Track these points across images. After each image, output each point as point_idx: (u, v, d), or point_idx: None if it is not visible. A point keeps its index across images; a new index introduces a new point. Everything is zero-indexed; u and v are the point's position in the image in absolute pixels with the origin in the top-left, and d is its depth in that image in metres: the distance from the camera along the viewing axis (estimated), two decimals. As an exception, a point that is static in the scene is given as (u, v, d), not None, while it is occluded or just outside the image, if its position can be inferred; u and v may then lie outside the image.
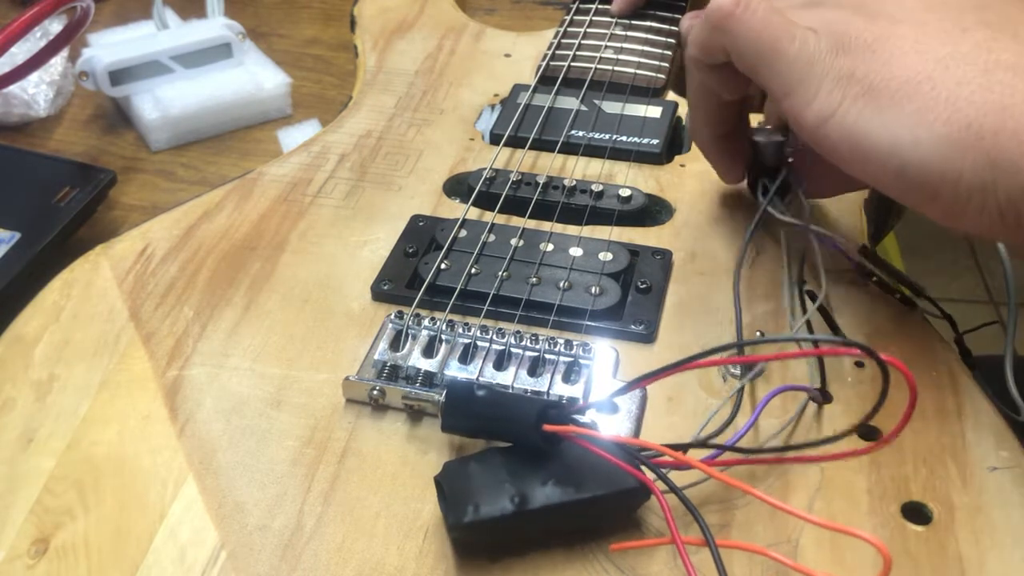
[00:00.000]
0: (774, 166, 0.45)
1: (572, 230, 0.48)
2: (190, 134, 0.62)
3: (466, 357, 0.41)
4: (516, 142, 0.54)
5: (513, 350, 0.41)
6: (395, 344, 0.41)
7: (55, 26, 0.62)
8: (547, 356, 0.41)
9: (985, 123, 0.34)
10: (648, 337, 0.43)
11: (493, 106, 0.58)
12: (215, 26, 0.64)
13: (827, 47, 0.38)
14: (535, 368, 0.40)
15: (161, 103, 0.61)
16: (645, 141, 0.53)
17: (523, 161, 0.52)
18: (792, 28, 0.39)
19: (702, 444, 0.36)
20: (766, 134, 0.45)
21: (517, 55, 0.62)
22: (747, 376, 0.40)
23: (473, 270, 0.45)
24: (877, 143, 0.36)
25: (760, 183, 0.45)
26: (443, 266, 0.45)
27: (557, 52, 0.60)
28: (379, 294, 0.45)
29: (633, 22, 0.62)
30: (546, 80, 0.58)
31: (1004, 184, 0.33)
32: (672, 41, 0.60)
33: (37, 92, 0.62)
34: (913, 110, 0.35)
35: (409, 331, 0.42)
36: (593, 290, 0.44)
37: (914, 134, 0.35)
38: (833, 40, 0.38)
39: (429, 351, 0.41)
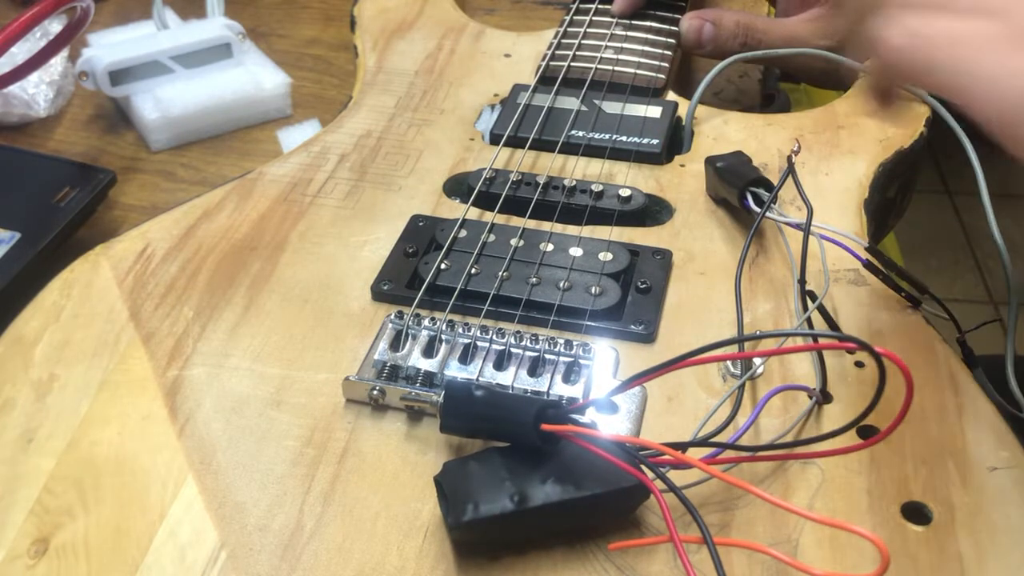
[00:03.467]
0: (755, 177, 0.47)
1: (572, 230, 0.48)
2: (190, 134, 0.62)
3: (466, 357, 0.41)
4: (516, 142, 0.54)
5: (513, 350, 0.41)
6: (395, 344, 0.41)
7: (55, 26, 0.62)
8: (547, 356, 0.41)
9: None
10: (648, 337, 0.43)
11: (493, 106, 0.58)
12: (215, 26, 0.64)
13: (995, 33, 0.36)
14: (535, 368, 0.40)
15: (161, 103, 0.61)
16: (645, 141, 0.53)
17: (523, 161, 0.52)
18: (949, 30, 0.37)
19: (701, 443, 0.36)
20: (726, 159, 0.48)
21: (517, 55, 0.62)
22: (746, 375, 0.40)
23: (473, 270, 0.45)
24: None
25: (748, 192, 0.46)
26: (443, 266, 0.45)
27: (557, 52, 0.60)
28: (379, 294, 0.45)
29: (633, 22, 0.62)
30: (546, 80, 0.58)
31: None
32: (672, 41, 0.60)
33: (37, 92, 0.62)
34: None
35: (409, 331, 0.42)
36: (593, 290, 0.44)
37: None
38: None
39: (429, 351, 0.41)
